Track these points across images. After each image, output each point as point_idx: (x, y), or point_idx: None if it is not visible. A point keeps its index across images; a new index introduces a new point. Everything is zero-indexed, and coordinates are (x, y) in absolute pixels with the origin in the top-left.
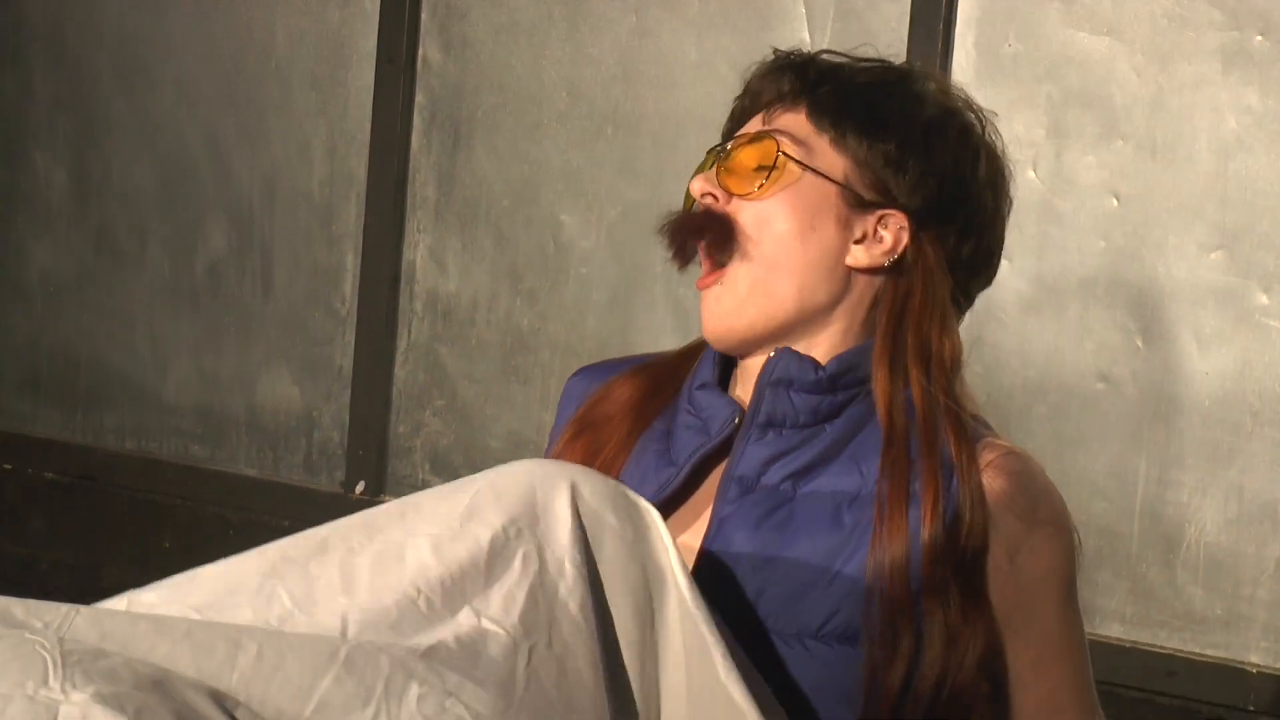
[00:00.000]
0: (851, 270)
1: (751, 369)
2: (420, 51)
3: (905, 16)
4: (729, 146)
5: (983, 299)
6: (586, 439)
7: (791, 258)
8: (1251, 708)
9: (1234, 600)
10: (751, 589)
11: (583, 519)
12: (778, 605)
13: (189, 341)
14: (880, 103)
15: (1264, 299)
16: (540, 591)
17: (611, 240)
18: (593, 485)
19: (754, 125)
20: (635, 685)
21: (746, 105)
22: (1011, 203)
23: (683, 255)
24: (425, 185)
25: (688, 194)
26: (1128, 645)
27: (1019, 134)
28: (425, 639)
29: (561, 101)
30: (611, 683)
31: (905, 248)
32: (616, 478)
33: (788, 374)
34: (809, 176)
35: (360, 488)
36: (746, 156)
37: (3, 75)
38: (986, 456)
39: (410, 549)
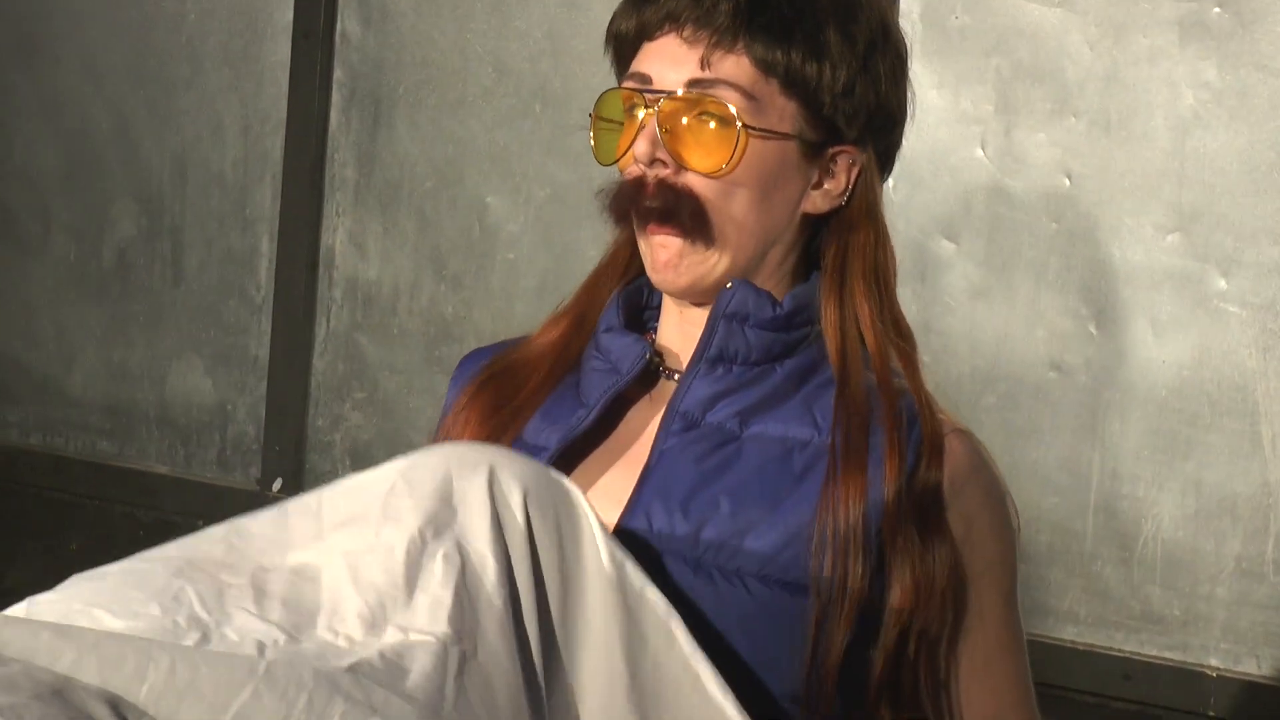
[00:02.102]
0: (804, 215)
1: (689, 306)
2: (338, 24)
3: None
4: (673, 100)
5: (930, 284)
6: (494, 389)
7: (755, 221)
8: (1211, 713)
9: (1192, 600)
10: (692, 522)
11: (498, 507)
12: (718, 539)
13: (96, 331)
14: (822, 24)
15: (1222, 283)
16: (465, 590)
17: (540, 223)
18: (512, 469)
19: (684, 61)
20: (561, 674)
21: (655, 21)
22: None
23: (626, 217)
24: (344, 166)
25: (600, 117)
26: (1082, 648)
27: (966, 110)
28: (350, 660)
29: (487, 77)
30: (534, 678)
31: (855, 179)
32: (524, 423)
33: (744, 308)
34: (770, 140)
35: (277, 485)
36: (697, 122)
37: None
38: (953, 426)
39: (326, 573)
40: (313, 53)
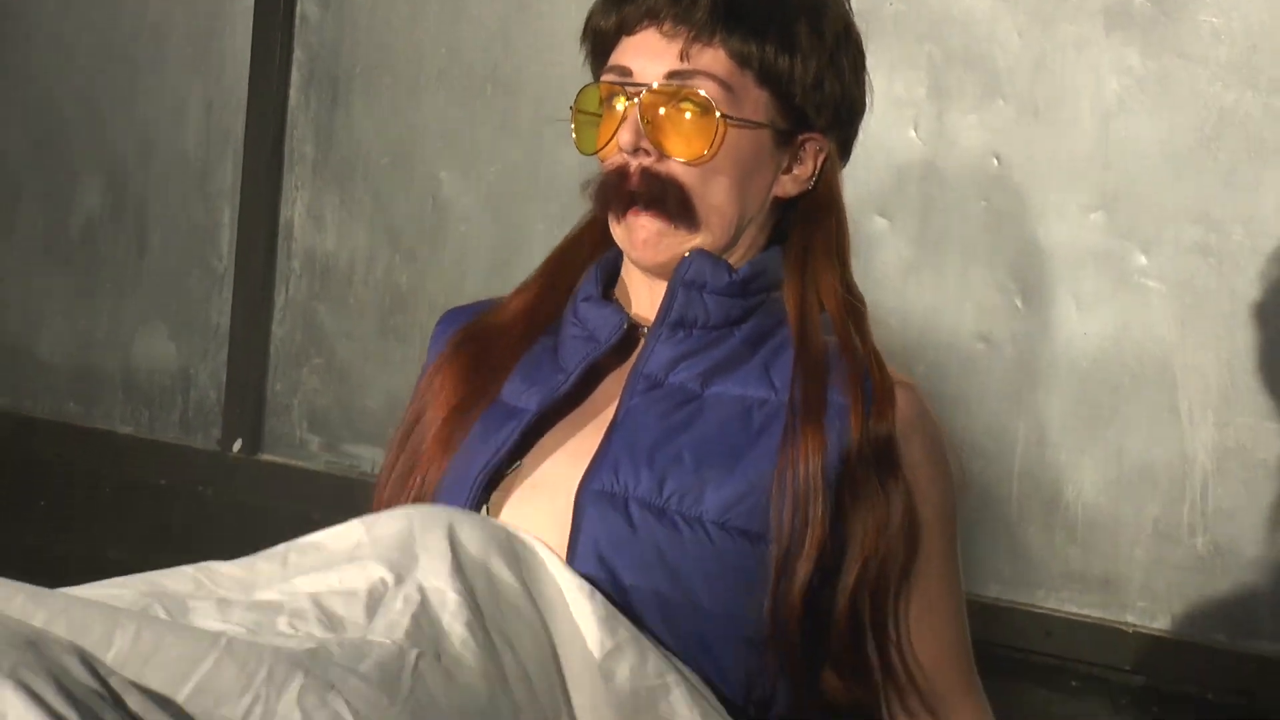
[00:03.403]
0: (775, 198)
1: (657, 277)
2: (298, 7)
3: None
4: (653, 92)
5: (862, 260)
6: (472, 350)
7: (731, 205)
8: (1128, 667)
9: (1111, 561)
10: (656, 473)
11: (462, 559)
12: (679, 488)
13: (63, 300)
14: (794, 19)
15: (1143, 260)
16: (424, 618)
17: (491, 199)
18: (471, 527)
19: (663, 54)
20: (542, 705)
21: (634, 17)
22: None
23: (612, 208)
24: (303, 143)
25: (579, 111)
26: (1004, 605)
27: (900, 94)
28: (309, 646)
29: (441, 60)
30: (504, 681)
31: (820, 165)
32: (503, 382)
33: (702, 276)
34: (745, 129)
35: (237, 445)
36: (677, 112)
37: None
38: (900, 380)
39: (289, 605)
40: (273, 34)
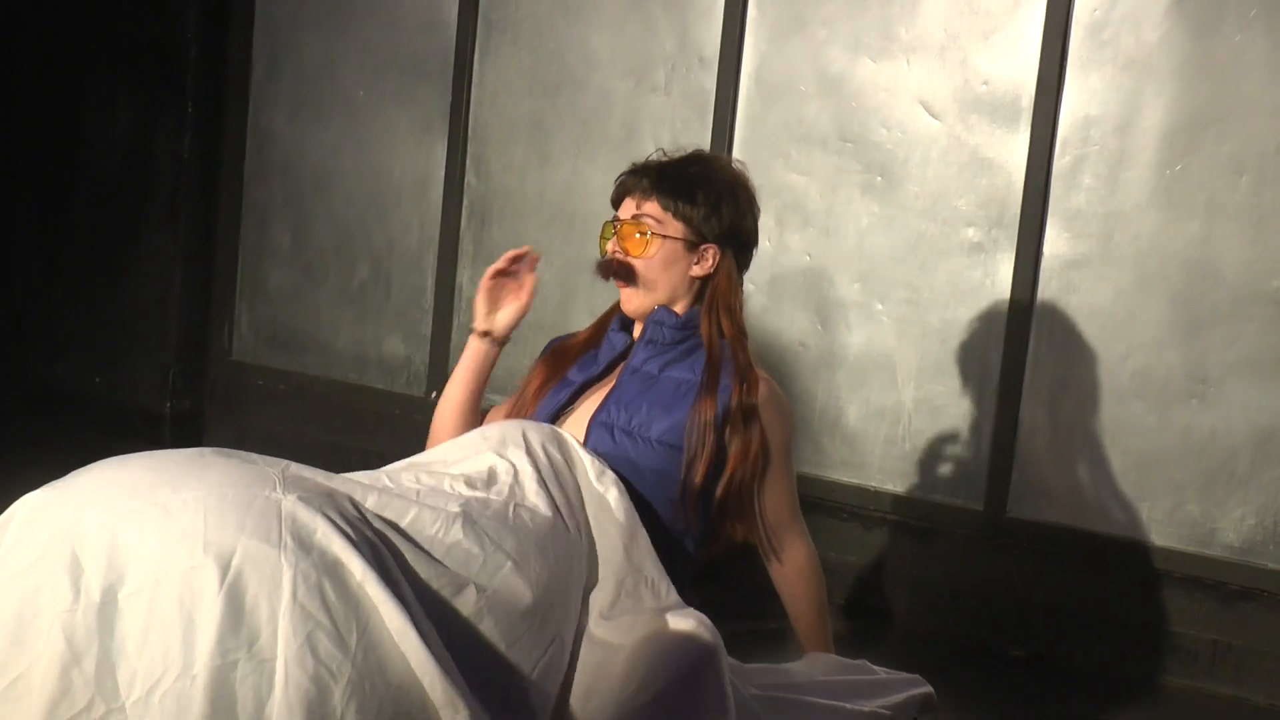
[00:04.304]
0: (692, 277)
1: (641, 320)
2: (466, 179)
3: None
4: (620, 224)
5: (747, 309)
6: (555, 358)
7: (663, 280)
8: (871, 507)
9: (864, 455)
10: (630, 412)
11: (530, 448)
12: (641, 420)
13: (349, 323)
14: (697, 186)
15: (880, 306)
16: (515, 482)
17: (558, 276)
18: (534, 428)
19: (630, 208)
20: (572, 528)
21: (622, 192)
22: (759, 212)
23: (605, 277)
24: (467, 247)
25: (603, 238)
26: (813, 477)
27: (762, 224)
28: (463, 500)
29: (536, 202)
30: (556, 525)
31: (717, 262)
32: (568, 370)
33: (662, 318)
34: (667, 240)
35: (433, 395)
36: (632, 233)
37: (255, 191)
38: (763, 377)
39: (448, 483)
40: (452, 192)
